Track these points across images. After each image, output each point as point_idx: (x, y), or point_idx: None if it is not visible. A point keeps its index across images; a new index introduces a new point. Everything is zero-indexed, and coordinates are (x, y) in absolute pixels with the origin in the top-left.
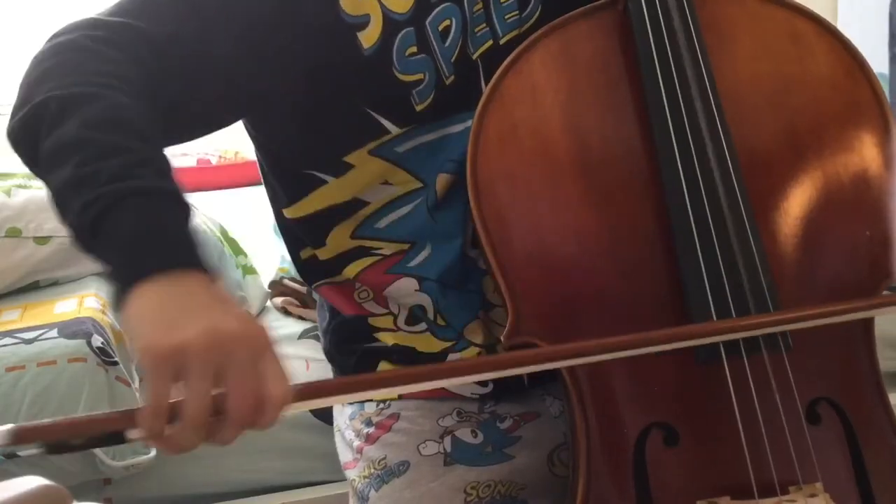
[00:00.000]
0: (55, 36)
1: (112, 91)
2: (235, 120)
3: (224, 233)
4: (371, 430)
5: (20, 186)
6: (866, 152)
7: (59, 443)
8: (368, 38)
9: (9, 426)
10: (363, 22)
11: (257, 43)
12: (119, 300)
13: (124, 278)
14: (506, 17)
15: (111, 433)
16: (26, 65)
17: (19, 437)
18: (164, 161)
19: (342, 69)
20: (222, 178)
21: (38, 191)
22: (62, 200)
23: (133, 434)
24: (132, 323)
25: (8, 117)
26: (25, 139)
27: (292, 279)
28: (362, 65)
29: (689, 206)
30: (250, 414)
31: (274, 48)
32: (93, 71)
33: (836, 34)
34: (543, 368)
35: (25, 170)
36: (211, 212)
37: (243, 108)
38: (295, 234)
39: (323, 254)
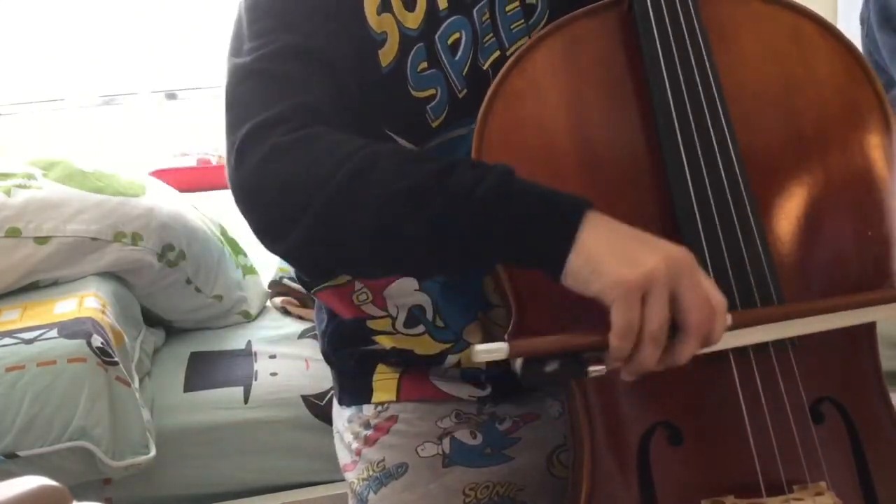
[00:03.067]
0: (241, 156)
1: (358, 147)
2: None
3: (224, 233)
4: (369, 432)
5: (20, 186)
6: (868, 152)
7: (547, 356)
8: (386, 55)
9: (504, 343)
10: (383, 39)
11: (337, 51)
12: (554, 265)
13: (561, 242)
14: (511, 26)
15: (578, 357)
16: (26, 65)
17: (515, 351)
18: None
19: (366, 87)
20: (222, 178)
21: (38, 191)
22: (430, 243)
23: (594, 367)
24: (591, 265)
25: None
26: (328, 237)
27: (292, 279)
28: (381, 83)
29: (694, 206)
30: (706, 322)
31: (342, 58)
32: (323, 150)
33: (839, 35)
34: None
35: (25, 169)
36: (211, 212)
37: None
38: None
39: None
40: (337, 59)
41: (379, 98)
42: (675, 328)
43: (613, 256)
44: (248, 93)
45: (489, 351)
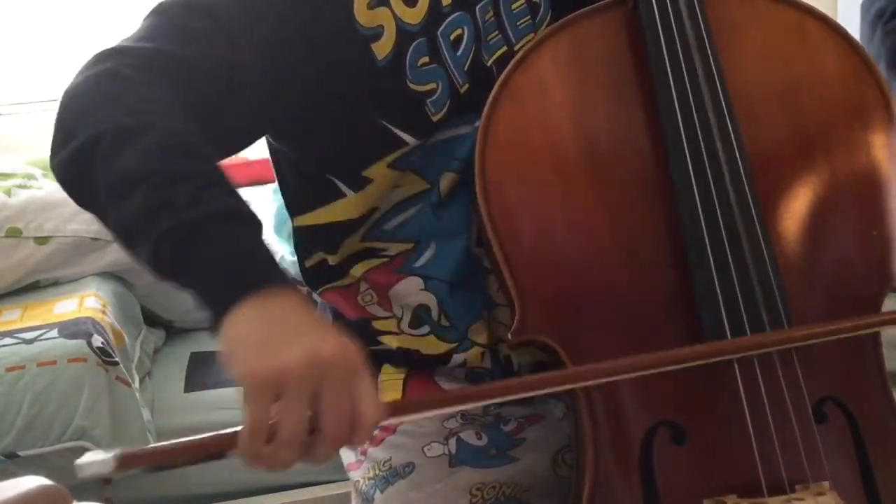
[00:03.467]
0: (86, 68)
1: (161, 118)
2: (262, 136)
3: None
4: (376, 431)
5: (20, 186)
6: (874, 151)
7: (160, 467)
8: (382, 49)
9: (113, 453)
10: (377, 34)
11: (282, 57)
12: (212, 323)
13: (217, 304)
14: (518, 23)
15: (211, 455)
16: (26, 65)
17: (124, 463)
18: (228, 180)
19: (358, 82)
20: None
21: (38, 191)
22: (131, 232)
23: (232, 454)
24: (231, 346)
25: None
26: (78, 175)
27: (292, 279)
28: (377, 77)
29: (699, 205)
30: (346, 433)
31: (297, 61)
32: (137, 99)
33: (844, 34)
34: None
35: (25, 169)
36: None
37: (272, 122)
38: (308, 240)
39: (333, 259)
40: (255, 45)
41: (374, 90)
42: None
43: (254, 344)
44: (148, 23)
45: (92, 464)
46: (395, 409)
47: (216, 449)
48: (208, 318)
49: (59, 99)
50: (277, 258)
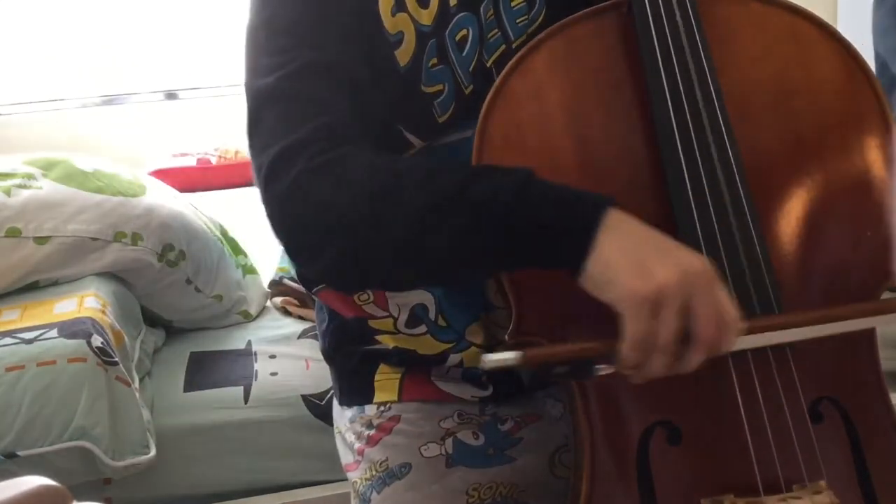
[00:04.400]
0: (275, 183)
1: (380, 163)
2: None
3: (224, 233)
4: (372, 432)
5: (20, 186)
6: (867, 154)
7: (547, 366)
8: (404, 55)
9: (518, 353)
10: (398, 40)
11: (354, 60)
12: (574, 266)
13: (576, 249)
14: (517, 20)
15: (588, 361)
16: (26, 65)
17: (528, 359)
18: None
19: (382, 86)
20: (222, 178)
21: (38, 191)
22: (457, 256)
23: (614, 360)
24: (606, 275)
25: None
26: (357, 269)
27: (292, 279)
28: (398, 81)
29: (693, 207)
30: (717, 335)
31: (359, 66)
32: (348, 170)
33: (838, 37)
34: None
35: (25, 169)
36: (211, 212)
37: None
38: None
39: None
40: (356, 70)
41: (394, 96)
42: (685, 336)
43: (628, 266)
44: (272, 115)
45: (501, 360)
46: (751, 328)
47: (602, 353)
48: (569, 267)
49: (273, 223)
50: (277, 258)
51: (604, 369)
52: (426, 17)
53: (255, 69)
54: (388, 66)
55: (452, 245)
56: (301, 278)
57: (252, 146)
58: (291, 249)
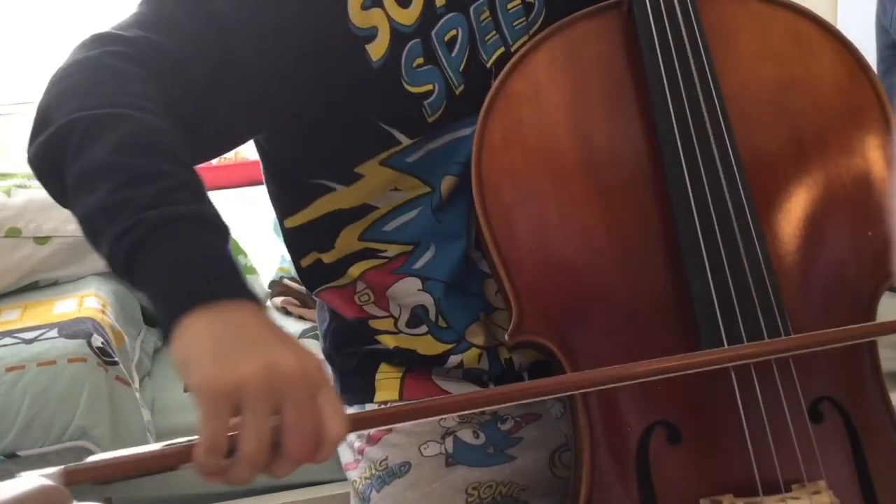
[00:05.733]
0: (74, 52)
1: (139, 112)
2: (254, 136)
3: None
4: (372, 431)
5: (20, 186)
6: (868, 153)
7: (109, 480)
8: (376, 50)
9: (58, 469)
10: (371, 35)
11: (275, 53)
12: (166, 330)
13: (170, 311)
14: (514, 23)
15: (163, 468)
16: (26, 65)
17: (70, 478)
18: (198, 183)
19: (352, 82)
20: (222, 178)
21: (38, 191)
22: (93, 227)
23: (186, 468)
24: (185, 355)
25: (5, 116)
26: (49, 163)
27: (292, 279)
28: (371, 77)
29: (693, 207)
30: (310, 450)
31: (291, 58)
32: (117, 90)
33: (839, 36)
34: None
35: (26, 170)
36: None
37: (263, 121)
38: (301, 239)
39: (328, 257)
40: (252, 42)
41: (370, 91)
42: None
43: (210, 351)
44: (139, 11)
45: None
46: (358, 421)
47: (169, 463)
48: (161, 325)
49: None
50: (277, 258)
51: (188, 469)
52: (406, 17)
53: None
54: (356, 60)
55: (97, 210)
56: (302, 278)
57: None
58: (36, 113)
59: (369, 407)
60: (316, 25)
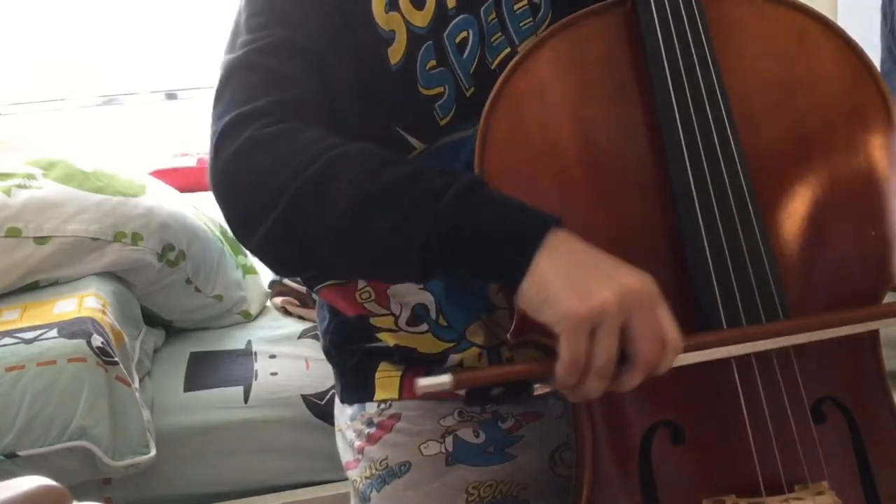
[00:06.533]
0: (223, 149)
1: (331, 150)
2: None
3: (224, 233)
4: (372, 430)
5: (20, 186)
6: (872, 152)
7: (483, 389)
8: (395, 53)
9: (448, 376)
10: (391, 37)
11: (333, 50)
12: (513, 281)
13: (514, 265)
14: (521, 24)
15: (524, 382)
16: (26, 65)
17: (459, 383)
18: (423, 165)
19: (374, 85)
20: None
21: (38, 191)
22: (387, 253)
23: (550, 381)
24: (541, 295)
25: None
26: (291, 241)
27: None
28: (390, 80)
29: (697, 207)
30: (656, 358)
31: (339, 57)
32: (297, 148)
33: (843, 35)
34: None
35: (25, 169)
36: (211, 212)
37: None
38: None
39: None
40: (330, 57)
41: (388, 95)
42: (623, 356)
43: (566, 286)
44: (235, 85)
45: (433, 384)
46: (691, 344)
47: (537, 375)
48: (506, 282)
49: (215, 190)
50: None
51: (540, 388)
52: (420, 18)
53: (231, 46)
54: (380, 63)
55: (387, 237)
56: (302, 278)
57: (212, 117)
58: (230, 218)
59: (369, 407)
60: (351, 25)
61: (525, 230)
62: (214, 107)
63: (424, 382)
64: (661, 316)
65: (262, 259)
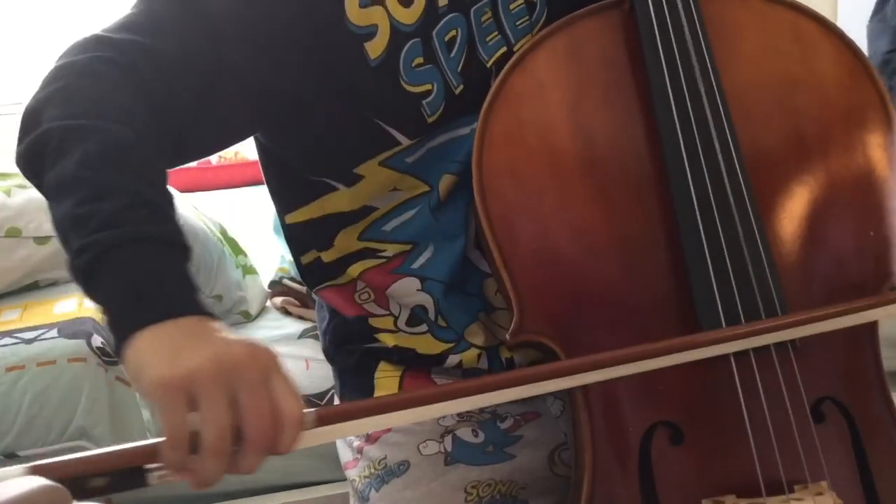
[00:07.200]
0: (64, 55)
1: (114, 124)
2: (253, 132)
3: (224, 233)
4: (372, 430)
5: (20, 186)
6: (870, 152)
7: (78, 481)
8: (375, 48)
9: (25, 466)
10: (370, 33)
11: (270, 51)
12: (118, 346)
13: (122, 328)
14: (517, 23)
15: (131, 469)
16: (26, 65)
17: (38, 473)
18: (162, 201)
19: (351, 79)
20: (222, 178)
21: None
22: (61, 236)
23: (154, 471)
24: (135, 364)
25: (5, 116)
26: (30, 169)
27: (292, 279)
28: (370, 76)
29: (696, 206)
30: (270, 434)
31: (287, 56)
32: (100, 99)
33: (840, 34)
34: (559, 387)
35: None
36: (211, 212)
37: (257, 121)
38: (300, 237)
39: (327, 256)
40: (242, 38)
41: (368, 89)
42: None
43: (160, 354)
44: (128, 14)
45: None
46: (324, 417)
47: (134, 461)
48: (113, 343)
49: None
50: (277, 258)
51: (159, 474)
52: (407, 16)
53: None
54: (354, 58)
55: (63, 229)
56: (303, 277)
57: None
58: (23, 116)
59: None
60: (310, 23)
61: (151, 306)
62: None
63: None
64: (274, 388)
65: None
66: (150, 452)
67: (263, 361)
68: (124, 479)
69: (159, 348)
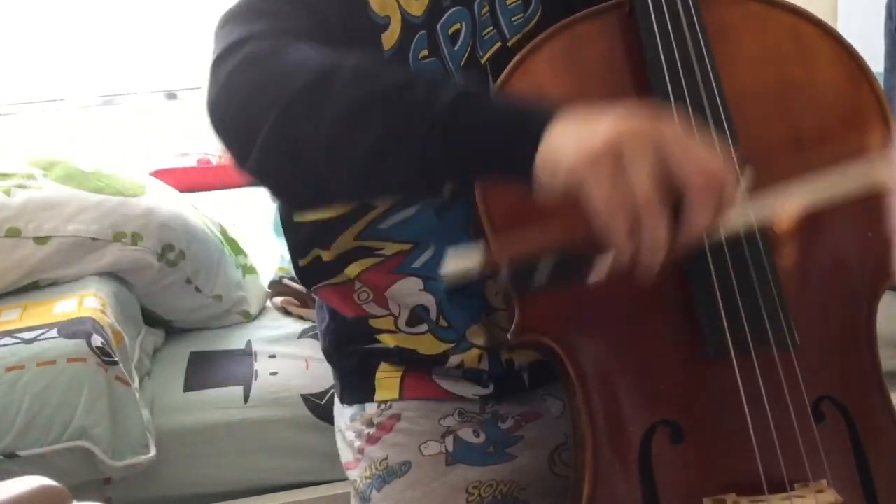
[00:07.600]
0: (217, 71)
1: (325, 60)
2: None
3: (224, 233)
4: (372, 430)
5: (20, 186)
6: (869, 154)
7: (526, 269)
8: (388, 39)
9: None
10: (385, 23)
11: (327, 36)
12: (523, 172)
13: (523, 150)
14: (513, 18)
15: (582, 255)
16: (25, 65)
17: (489, 263)
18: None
19: None
20: (222, 178)
21: (38, 191)
22: (383, 159)
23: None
24: (552, 161)
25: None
26: (284, 158)
27: (292, 279)
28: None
29: None
30: (707, 177)
31: (318, 35)
32: (291, 63)
33: (838, 38)
34: None
35: (25, 169)
36: (211, 212)
37: None
38: (302, 236)
39: (326, 255)
40: (330, 16)
41: None
42: (677, 214)
43: (575, 137)
44: (232, 24)
45: (460, 267)
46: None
47: (582, 237)
48: (518, 170)
49: (211, 118)
50: (277, 258)
51: (597, 266)
52: (416, 7)
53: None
54: (372, 49)
55: (385, 138)
56: (300, 275)
57: (211, 60)
58: (227, 144)
59: (369, 407)
60: (343, 5)
61: (531, 115)
62: (212, 52)
63: (449, 267)
64: (693, 142)
65: (261, 181)
66: (593, 232)
67: (675, 124)
68: (567, 269)
69: (573, 133)
